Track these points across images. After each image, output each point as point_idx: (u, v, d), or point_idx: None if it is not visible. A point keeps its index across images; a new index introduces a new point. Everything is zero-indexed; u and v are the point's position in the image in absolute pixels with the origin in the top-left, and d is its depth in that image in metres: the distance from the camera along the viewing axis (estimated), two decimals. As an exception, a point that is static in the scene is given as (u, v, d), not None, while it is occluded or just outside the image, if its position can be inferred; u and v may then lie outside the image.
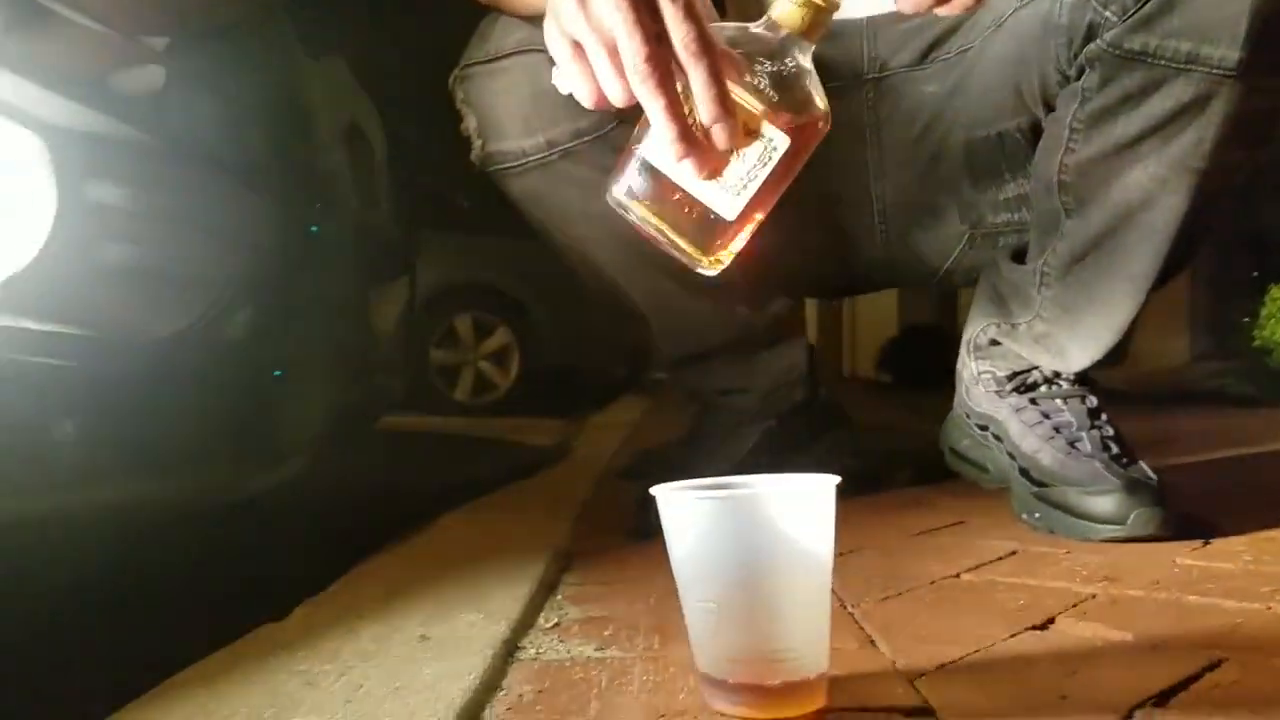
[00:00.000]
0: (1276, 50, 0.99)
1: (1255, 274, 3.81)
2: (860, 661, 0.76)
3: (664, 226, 0.74)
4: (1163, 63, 1.03)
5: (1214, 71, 1.01)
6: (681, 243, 0.75)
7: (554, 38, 0.75)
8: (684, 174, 0.72)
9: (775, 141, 0.71)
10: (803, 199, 1.38)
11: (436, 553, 1.18)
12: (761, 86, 0.71)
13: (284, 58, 1.07)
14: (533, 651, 0.83)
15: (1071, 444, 1.20)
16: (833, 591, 0.97)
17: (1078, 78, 1.11)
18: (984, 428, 1.33)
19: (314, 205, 1.08)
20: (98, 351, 0.76)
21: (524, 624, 0.90)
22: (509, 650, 0.82)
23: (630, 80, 0.70)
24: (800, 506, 0.67)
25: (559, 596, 1.02)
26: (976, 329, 1.35)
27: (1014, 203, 1.30)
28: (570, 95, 1.07)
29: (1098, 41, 1.07)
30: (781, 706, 0.66)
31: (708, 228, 0.73)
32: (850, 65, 1.32)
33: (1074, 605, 0.88)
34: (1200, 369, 3.85)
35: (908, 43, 1.31)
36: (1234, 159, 1.07)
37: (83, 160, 0.76)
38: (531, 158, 1.17)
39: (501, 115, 1.16)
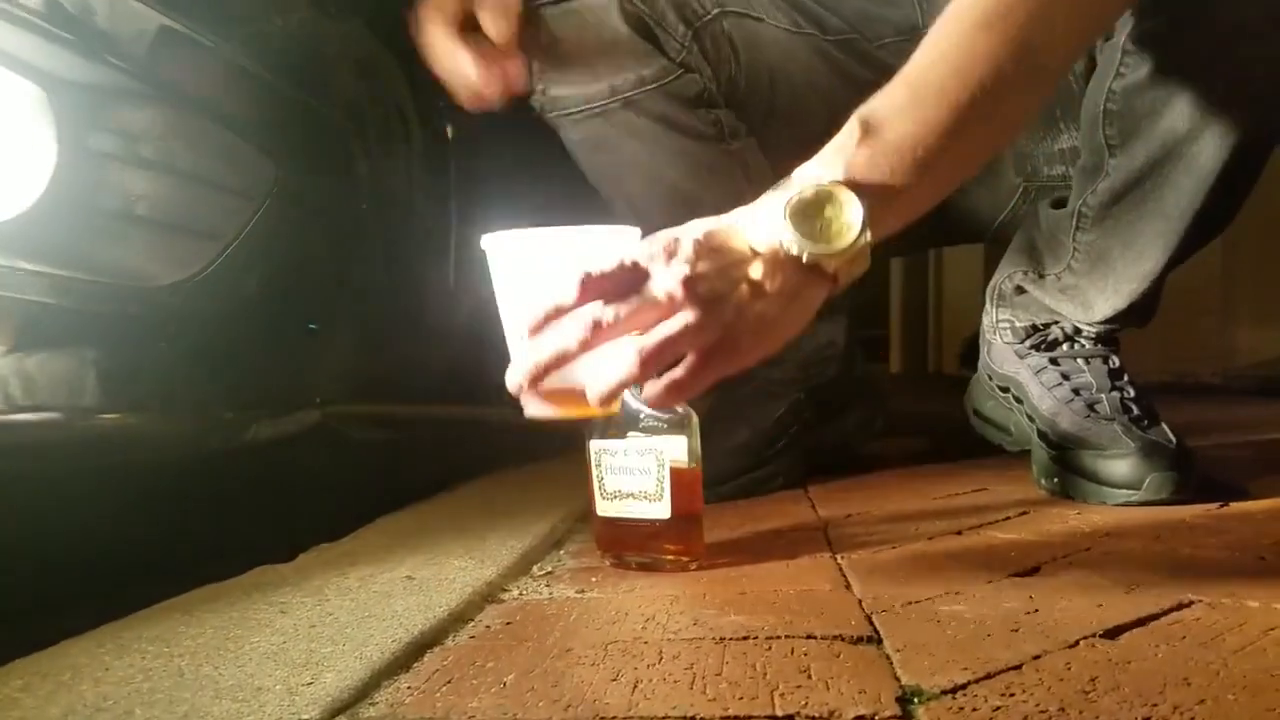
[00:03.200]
0: None
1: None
2: (828, 601, 0.77)
3: (646, 559, 0.92)
4: None
5: None
6: (668, 559, 0.91)
7: None
8: (616, 510, 0.91)
9: (659, 449, 0.89)
10: None
11: (452, 510, 1.22)
12: (646, 424, 0.91)
13: (297, 13, 1.11)
14: (516, 593, 0.85)
15: (1091, 406, 1.18)
16: (826, 543, 0.98)
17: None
18: (1005, 389, 1.31)
19: (329, 168, 1.11)
20: (96, 294, 0.80)
21: (516, 571, 0.92)
22: (492, 591, 0.84)
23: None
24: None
25: (562, 551, 1.04)
26: (1003, 276, 1.31)
27: (1068, 154, 1.27)
28: (639, 40, 1.15)
29: None
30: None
31: (669, 532, 0.90)
32: (903, 19, 1.29)
33: (1064, 556, 0.87)
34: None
35: None
36: None
37: (84, 110, 0.80)
38: (595, 104, 1.17)
39: (568, 59, 1.16)
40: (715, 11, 1.20)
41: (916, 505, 1.19)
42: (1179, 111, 1.05)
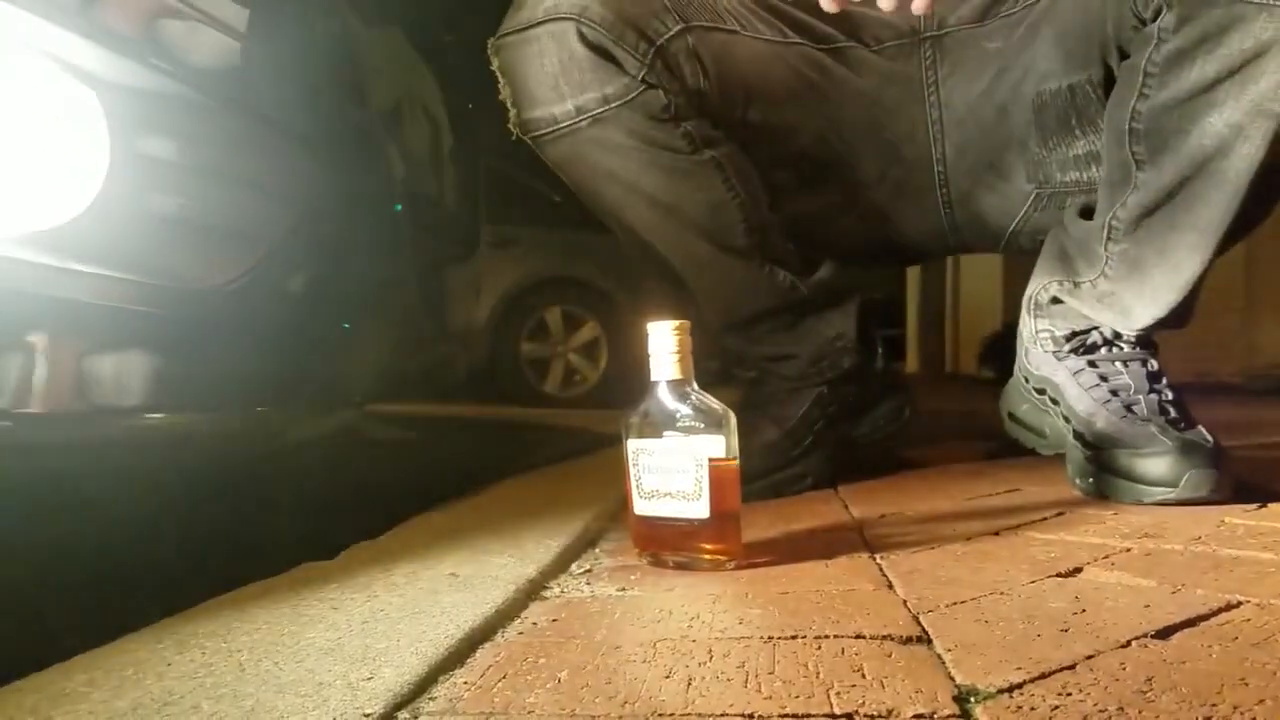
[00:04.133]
0: None
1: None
2: (872, 600, 0.77)
3: (684, 558, 0.91)
4: None
5: None
6: (706, 558, 0.91)
7: None
8: (654, 509, 0.91)
9: (697, 448, 0.89)
10: (858, 162, 1.39)
11: (487, 508, 1.22)
12: (684, 419, 0.91)
13: (338, 23, 1.12)
14: (558, 590, 0.86)
15: (1128, 407, 1.17)
16: (863, 543, 0.98)
17: (1154, 20, 1.09)
18: (1041, 391, 1.31)
19: (367, 172, 1.12)
20: (146, 297, 0.81)
21: (555, 569, 0.93)
22: (534, 589, 0.85)
23: None
24: None
25: (597, 550, 1.04)
26: (1038, 286, 1.32)
27: (1083, 160, 1.28)
28: (599, 60, 1.15)
29: None
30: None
31: (706, 531, 0.90)
32: (906, 24, 1.31)
33: (1105, 557, 0.87)
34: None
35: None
36: None
37: (136, 115, 0.81)
38: (563, 124, 1.21)
39: (532, 83, 1.20)
40: (678, 28, 1.23)
41: (949, 506, 1.19)
42: (1206, 130, 1.06)
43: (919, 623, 0.69)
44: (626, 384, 5.35)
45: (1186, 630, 0.65)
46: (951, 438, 1.96)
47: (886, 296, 8.27)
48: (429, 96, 1.43)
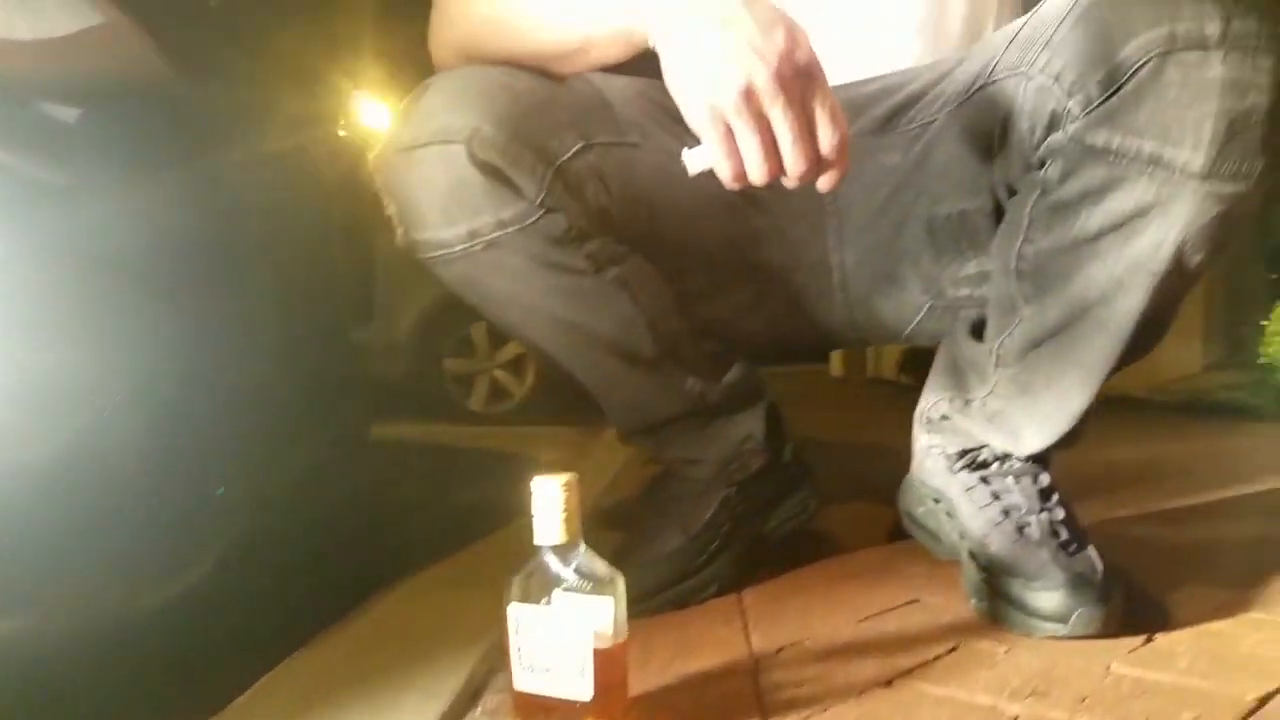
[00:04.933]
0: (1241, 157, 0.97)
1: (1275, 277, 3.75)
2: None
3: None
4: (1125, 161, 1.01)
5: (1176, 174, 0.98)
6: None
7: (705, 121, 0.92)
8: (536, 685, 0.89)
9: (581, 622, 0.87)
10: (764, 268, 1.37)
11: (366, 645, 1.18)
12: (570, 584, 0.89)
13: (191, 132, 1.05)
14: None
15: (1020, 529, 1.18)
16: (755, 699, 0.96)
17: (1039, 167, 1.10)
18: (937, 500, 1.31)
19: (227, 299, 1.06)
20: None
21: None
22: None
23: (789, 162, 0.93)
24: None
25: (479, 709, 1.00)
26: (929, 403, 1.32)
27: (975, 279, 1.28)
28: (493, 184, 1.09)
29: (1060, 132, 1.06)
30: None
31: (590, 709, 0.87)
32: None
33: (990, 732, 0.86)
34: (1212, 379, 3.78)
35: (867, 109, 1.27)
36: (1193, 263, 1.05)
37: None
38: (455, 248, 1.14)
39: (421, 206, 1.13)
40: (578, 146, 1.16)
41: (848, 630, 1.17)
42: (1088, 280, 1.08)
43: None
44: (554, 400, 5.28)
45: None
46: (862, 489, 1.93)
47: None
48: (316, 150, 1.35)
